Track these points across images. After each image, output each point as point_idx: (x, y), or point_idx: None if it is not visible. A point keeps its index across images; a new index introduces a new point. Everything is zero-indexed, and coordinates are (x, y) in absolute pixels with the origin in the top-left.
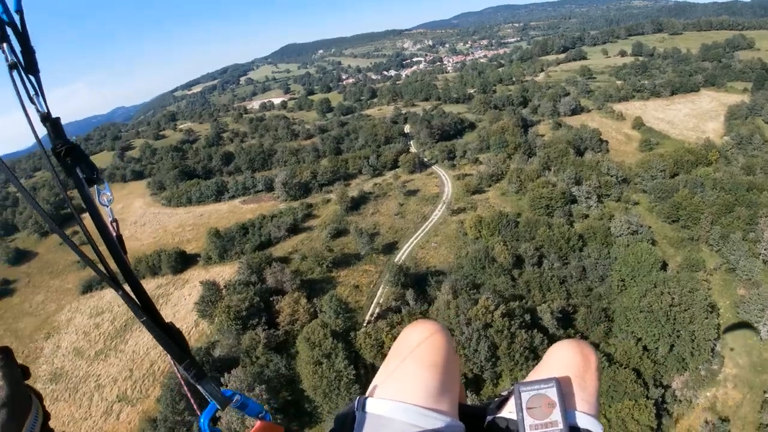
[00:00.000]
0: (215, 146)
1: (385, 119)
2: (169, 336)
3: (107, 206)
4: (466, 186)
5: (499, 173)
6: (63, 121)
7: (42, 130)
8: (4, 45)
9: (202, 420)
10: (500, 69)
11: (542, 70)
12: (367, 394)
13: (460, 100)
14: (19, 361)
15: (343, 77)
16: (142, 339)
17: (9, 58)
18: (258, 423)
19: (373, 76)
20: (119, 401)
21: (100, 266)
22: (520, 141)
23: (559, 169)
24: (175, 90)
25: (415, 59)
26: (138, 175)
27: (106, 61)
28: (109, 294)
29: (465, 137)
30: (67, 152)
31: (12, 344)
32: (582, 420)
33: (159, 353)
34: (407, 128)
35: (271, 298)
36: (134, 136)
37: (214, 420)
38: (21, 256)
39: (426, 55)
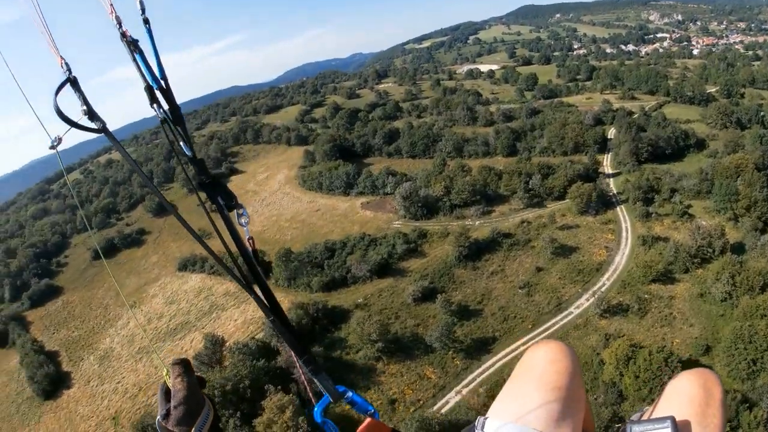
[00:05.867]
0: (387, 120)
1: (587, 115)
2: (291, 334)
3: (245, 226)
4: (648, 265)
5: (708, 252)
6: (304, 61)
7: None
8: (155, 106)
9: (316, 409)
10: (755, 64)
11: None
12: (487, 414)
13: (694, 100)
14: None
15: (575, 47)
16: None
17: (160, 115)
18: (367, 420)
19: (608, 49)
20: (112, 420)
21: (236, 272)
22: (758, 197)
23: None
24: (407, 43)
25: (659, 35)
26: (302, 141)
27: (357, 7)
28: (191, 281)
29: (685, 161)
30: (211, 185)
31: (108, 302)
32: None
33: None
34: (611, 133)
35: (265, 386)
36: (332, 92)
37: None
38: (163, 209)
39: (672, 31)
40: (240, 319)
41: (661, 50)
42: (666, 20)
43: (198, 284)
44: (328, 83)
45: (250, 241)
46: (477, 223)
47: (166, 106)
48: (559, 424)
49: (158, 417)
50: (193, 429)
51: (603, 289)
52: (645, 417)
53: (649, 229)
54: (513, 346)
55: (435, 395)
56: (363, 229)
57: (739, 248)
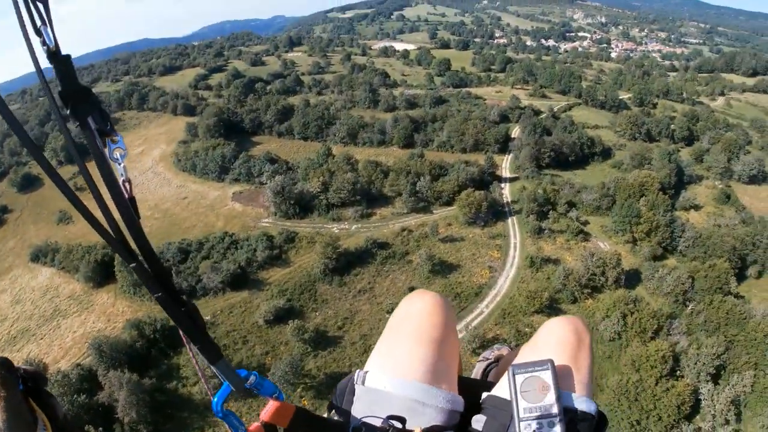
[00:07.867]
0: (285, 94)
1: (493, 110)
2: (186, 315)
3: (120, 163)
4: (533, 293)
5: (601, 280)
6: (225, 18)
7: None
8: None
9: (215, 401)
10: (671, 75)
11: (723, 94)
12: (366, 367)
13: (606, 105)
14: None
15: (497, 35)
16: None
17: None
18: (273, 403)
19: (529, 42)
20: None
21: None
22: (660, 221)
23: (704, 323)
24: (331, 11)
25: (580, 34)
26: (189, 111)
27: None
28: (41, 276)
29: (588, 170)
30: (79, 96)
31: None
32: (576, 401)
33: None
34: (515, 133)
35: (86, 427)
36: (236, 56)
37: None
38: (28, 184)
39: (594, 32)
40: (80, 331)
41: (580, 49)
42: (589, 20)
43: (46, 281)
44: (237, 45)
45: (126, 185)
46: (354, 227)
47: None
48: (437, 374)
49: None
50: None
51: (480, 318)
52: (522, 359)
53: (539, 249)
54: None
55: None
56: (228, 225)
57: (634, 276)
